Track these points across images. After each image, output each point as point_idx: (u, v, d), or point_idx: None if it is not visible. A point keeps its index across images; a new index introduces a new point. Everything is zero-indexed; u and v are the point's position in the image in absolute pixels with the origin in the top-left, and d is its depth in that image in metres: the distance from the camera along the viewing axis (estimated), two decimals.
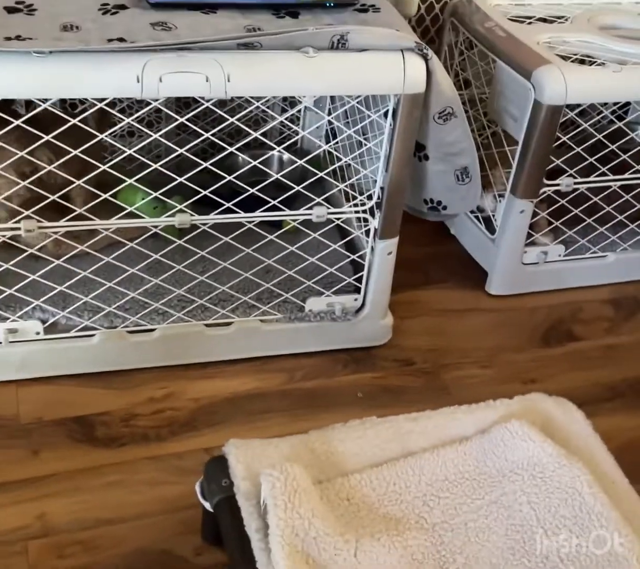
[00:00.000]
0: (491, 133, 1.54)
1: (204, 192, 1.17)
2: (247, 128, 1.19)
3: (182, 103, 1.57)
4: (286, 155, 1.59)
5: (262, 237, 1.25)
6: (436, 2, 1.67)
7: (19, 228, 1.14)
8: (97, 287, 1.25)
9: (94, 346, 1.27)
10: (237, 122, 1.18)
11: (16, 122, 1.07)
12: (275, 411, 1.27)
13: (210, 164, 1.15)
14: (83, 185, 1.15)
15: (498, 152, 1.48)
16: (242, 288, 1.32)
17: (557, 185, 1.43)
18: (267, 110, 1.37)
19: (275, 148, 1.51)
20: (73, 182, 1.15)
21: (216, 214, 1.21)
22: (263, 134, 1.51)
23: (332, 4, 1.15)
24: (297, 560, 0.85)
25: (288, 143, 1.47)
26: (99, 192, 1.16)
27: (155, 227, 1.21)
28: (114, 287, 1.25)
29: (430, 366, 1.38)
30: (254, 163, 1.25)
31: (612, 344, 1.47)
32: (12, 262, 1.18)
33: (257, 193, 1.19)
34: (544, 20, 1.53)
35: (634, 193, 1.51)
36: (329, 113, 1.54)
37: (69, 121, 1.08)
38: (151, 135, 1.15)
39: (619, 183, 1.48)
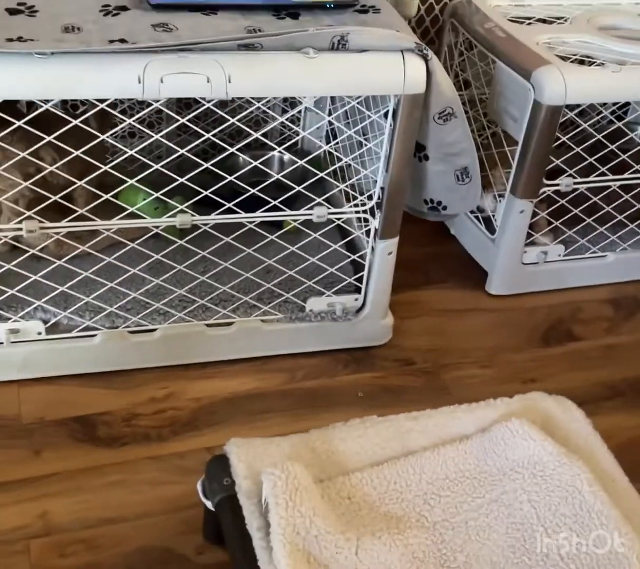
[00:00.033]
0: (491, 134, 1.54)
1: (205, 193, 1.18)
2: (247, 129, 1.19)
3: (183, 104, 1.57)
4: (287, 156, 1.59)
5: (263, 237, 1.25)
6: (436, 3, 1.67)
7: (20, 229, 1.14)
8: (98, 287, 1.26)
9: (96, 346, 1.27)
10: (237, 123, 1.18)
11: (18, 124, 1.08)
12: (276, 411, 1.27)
13: (211, 165, 1.16)
14: (85, 185, 1.15)
15: (498, 152, 1.48)
16: (243, 288, 1.32)
17: (557, 185, 1.43)
18: (267, 110, 1.37)
19: (275, 149, 1.51)
20: (75, 183, 1.15)
21: (217, 214, 1.21)
22: (264, 135, 1.51)
23: (332, 5, 1.16)
24: (299, 559, 0.85)
25: (289, 143, 1.47)
26: (100, 193, 1.16)
27: (157, 227, 1.21)
28: (116, 287, 1.25)
29: (430, 366, 1.38)
30: (254, 163, 1.25)
31: (612, 344, 1.47)
32: (14, 263, 1.19)
33: (257, 193, 1.20)
34: (543, 21, 1.53)
35: (633, 193, 1.51)
36: (330, 114, 1.54)
37: (71, 122, 1.09)
38: (152, 136, 1.16)
39: (618, 183, 1.48)
